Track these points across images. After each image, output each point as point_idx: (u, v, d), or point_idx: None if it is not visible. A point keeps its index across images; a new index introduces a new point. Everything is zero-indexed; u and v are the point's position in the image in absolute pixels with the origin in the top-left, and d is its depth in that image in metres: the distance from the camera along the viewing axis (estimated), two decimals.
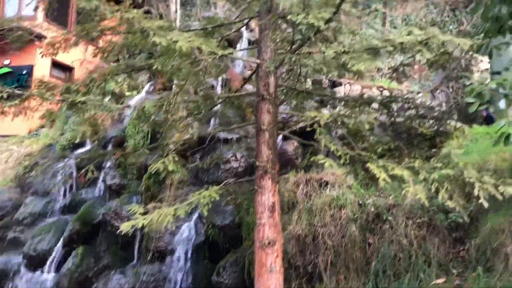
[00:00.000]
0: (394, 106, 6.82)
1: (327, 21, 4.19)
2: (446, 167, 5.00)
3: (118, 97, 11.83)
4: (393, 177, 5.09)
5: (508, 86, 4.91)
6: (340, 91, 14.42)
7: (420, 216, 6.77)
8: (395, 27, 21.26)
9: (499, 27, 5.55)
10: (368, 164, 5.06)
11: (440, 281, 6.08)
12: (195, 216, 9.09)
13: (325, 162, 5.04)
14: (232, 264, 7.97)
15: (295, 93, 6.00)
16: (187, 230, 8.86)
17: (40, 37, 11.36)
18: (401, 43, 4.93)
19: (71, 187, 11.40)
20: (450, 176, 4.94)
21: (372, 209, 7.21)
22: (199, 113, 6.20)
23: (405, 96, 6.36)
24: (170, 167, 5.91)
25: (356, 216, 7.21)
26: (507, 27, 5.54)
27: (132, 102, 10.90)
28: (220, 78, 10.01)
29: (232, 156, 9.82)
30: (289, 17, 3.99)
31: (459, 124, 7.95)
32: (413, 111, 6.18)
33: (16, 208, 11.80)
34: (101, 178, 10.87)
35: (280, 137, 10.17)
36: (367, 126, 5.16)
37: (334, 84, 14.71)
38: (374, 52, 4.94)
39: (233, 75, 8.08)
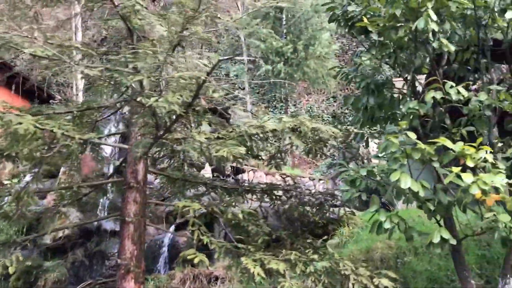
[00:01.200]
0: (283, 193, 6.65)
1: (189, 106, 3.97)
2: (323, 259, 4.74)
3: None
4: (269, 271, 4.74)
5: (377, 173, 4.90)
6: (243, 178, 14.30)
7: None
8: None
9: (371, 117, 5.70)
10: (242, 258, 4.66)
11: None
12: None
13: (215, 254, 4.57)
14: None
15: (170, 181, 5.61)
16: None
17: None
18: (273, 130, 4.81)
19: None
20: (327, 269, 4.67)
21: None
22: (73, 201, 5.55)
23: (287, 184, 6.19)
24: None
25: None
26: (379, 117, 5.73)
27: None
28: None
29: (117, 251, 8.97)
30: (142, 100, 3.68)
31: (357, 212, 7.96)
32: (294, 199, 5.99)
33: None
34: None
35: (173, 227, 9.59)
36: (240, 216, 4.82)
37: (237, 171, 14.60)
38: (244, 139, 4.75)
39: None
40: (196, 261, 4.51)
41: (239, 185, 5.79)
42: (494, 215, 3.96)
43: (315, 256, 4.71)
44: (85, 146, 4.65)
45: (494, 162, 4.22)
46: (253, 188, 5.68)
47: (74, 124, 5.13)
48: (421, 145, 4.26)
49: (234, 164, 13.99)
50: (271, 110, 22.61)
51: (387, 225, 4.42)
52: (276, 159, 5.36)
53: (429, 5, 4.51)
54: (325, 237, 7.70)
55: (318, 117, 21.38)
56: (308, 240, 5.08)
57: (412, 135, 4.26)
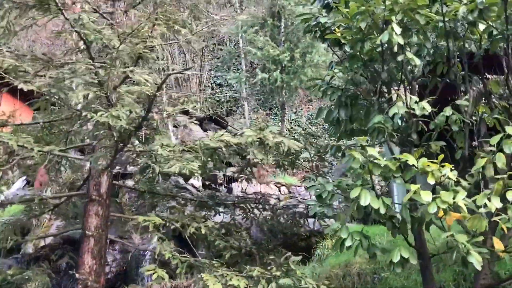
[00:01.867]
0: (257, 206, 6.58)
1: (143, 120, 3.91)
2: (286, 275, 4.65)
3: None
4: None
5: (343, 189, 4.80)
6: (236, 187, 14.21)
7: None
8: (299, 125, 22.12)
9: (346, 130, 5.61)
10: (203, 274, 4.58)
11: None
12: None
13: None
14: None
15: (139, 194, 5.56)
16: None
17: None
18: (237, 143, 4.75)
19: None
20: (289, 286, 4.57)
21: None
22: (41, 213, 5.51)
23: (259, 197, 6.12)
24: None
25: None
26: (354, 130, 5.63)
27: None
28: None
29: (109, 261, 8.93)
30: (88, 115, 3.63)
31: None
32: (268, 212, 5.91)
33: None
34: None
35: (156, 237, 9.49)
36: (203, 231, 4.75)
37: (230, 180, 14.53)
38: (211, 152, 4.69)
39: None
40: (154, 277, 4.43)
41: (209, 199, 5.72)
42: (452, 235, 3.84)
43: (278, 273, 4.61)
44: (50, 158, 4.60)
45: (457, 179, 4.11)
46: (224, 201, 5.60)
47: (43, 135, 5.08)
48: (381, 161, 4.16)
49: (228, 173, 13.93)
50: (272, 117, 22.53)
51: (348, 243, 4.32)
52: (245, 172, 5.29)
53: (394, 18, 4.43)
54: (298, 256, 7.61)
55: (319, 125, 21.20)
56: (271, 256, 4.98)
57: (372, 150, 4.15)
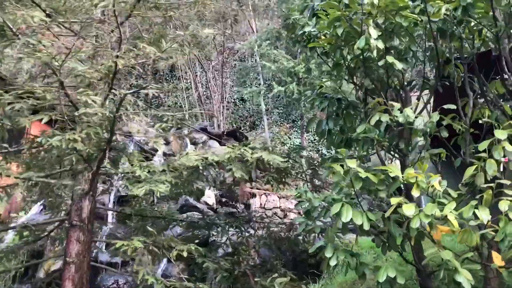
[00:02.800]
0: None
1: (107, 142, 3.80)
2: None
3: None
4: None
5: (329, 203, 4.54)
6: (255, 202, 13.99)
7: None
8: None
9: (342, 141, 5.35)
10: None
11: None
12: None
13: None
14: None
15: (126, 217, 5.45)
16: None
17: None
18: (217, 161, 4.58)
19: None
20: None
21: None
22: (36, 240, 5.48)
23: (258, 215, 5.90)
24: None
25: None
26: (348, 141, 5.37)
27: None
28: None
29: (113, 284, 8.87)
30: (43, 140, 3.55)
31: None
32: (262, 230, 5.69)
33: None
34: None
35: (165, 260, 9.40)
36: (185, 254, 4.57)
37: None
38: (191, 171, 4.55)
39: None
40: None
41: (200, 219, 5.56)
42: (438, 250, 3.52)
43: None
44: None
45: (446, 190, 3.81)
46: (214, 221, 5.42)
47: (31, 161, 5.04)
48: (362, 173, 3.89)
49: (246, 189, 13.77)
50: (296, 129, 22.24)
51: (332, 262, 4.05)
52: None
53: (371, 22, 4.19)
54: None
55: None
56: (256, 279, 4.74)
57: (352, 163, 3.89)
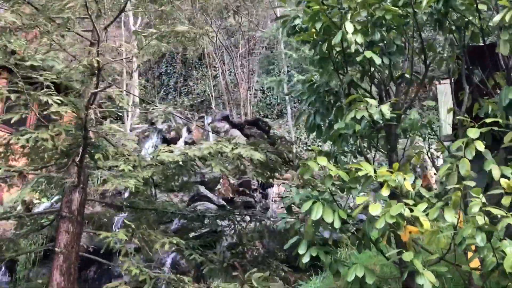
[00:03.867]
0: None
1: (84, 138, 3.92)
2: None
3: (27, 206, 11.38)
4: None
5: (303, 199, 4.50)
6: (272, 192, 14.02)
7: None
8: None
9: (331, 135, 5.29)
10: None
11: None
12: None
13: None
14: None
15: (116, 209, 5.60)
16: None
17: None
18: (199, 157, 4.64)
19: None
20: None
21: None
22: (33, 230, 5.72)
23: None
24: None
25: None
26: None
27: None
28: None
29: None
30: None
31: None
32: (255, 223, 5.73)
33: None
34: None
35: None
36: (167, 247, 4.67)
37: (265, 185, 14.37)
38: (175, 164, 4.63)
39: None
40: None
41: (191, 211, 5.64)
42: (401, 251, 3.47)
43: None
44: None
45: (418, 190, 3.72)
46: (203, 214, 5.50)
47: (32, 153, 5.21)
48: (333, 171, 3.85)
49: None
50: None
51: (305, 259, 4.05)
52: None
53: (348, 17, 4.10)
54: None
55: None
56: (234, 273, 4.78)
57: (322, 160, 3.85)
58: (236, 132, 17.05)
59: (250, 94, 24.19)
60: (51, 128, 3.88)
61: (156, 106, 16.12)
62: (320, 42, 4.44)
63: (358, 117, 4.01)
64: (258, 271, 5.32)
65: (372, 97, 4.86)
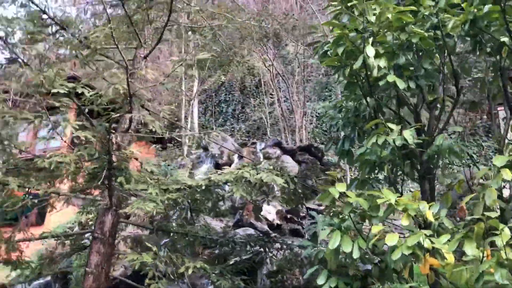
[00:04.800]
0: None
1: (108, 162, 4.07)
2: None
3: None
4: None
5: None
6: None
7: None
8: None
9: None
10: None
11: None
12: None
13: None
14: None
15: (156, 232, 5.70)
16: None
17: None
18: (224, 181, 4.67)
19: None
20: None
21: None
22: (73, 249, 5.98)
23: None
24: None
25: None
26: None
27: None
28: None
29: None
30: None
31: None
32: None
33: None
34: None
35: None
36: (190, 271, 4.68)
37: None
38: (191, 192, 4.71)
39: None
40: None
41: (220, 237, 5.65)
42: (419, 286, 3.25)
43: None
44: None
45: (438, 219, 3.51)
46: (234, 240, 5.49)
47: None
48: (352, 198, 3.72)
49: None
50: None
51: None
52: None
53: (370, 41, 4.02)
54: None
55: None
56: None
57: (341, 186, 3.73)
58: (287, 158, 16.97)
59: (306, 121, 24.11)
60: (75, 151, 4.10)
61: (208, 131, 16.56)
62: (343, 68, 4.37)
63: (380, 142, 3.88)
64: None
65: (403, 121, 4.72)
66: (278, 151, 17.05)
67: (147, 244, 5.99)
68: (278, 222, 12.43)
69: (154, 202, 4.10)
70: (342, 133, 5.28)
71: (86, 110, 4.63)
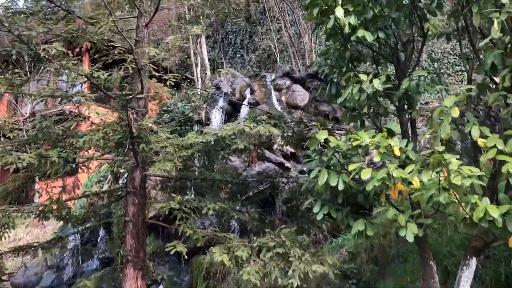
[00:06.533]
0: None
1: (129, 132, 4.87)
2: (280, 246, 5.27)
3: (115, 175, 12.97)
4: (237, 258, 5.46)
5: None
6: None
7: (324, 283, 6.87)
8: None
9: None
10: (212, 247, 5.49)
11: None
12: None
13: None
14: None
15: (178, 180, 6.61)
16: None
17: None
18: (230, 135, 5.42)
19: (77, 261, 12.68)
20: (281, 254, 5.21)
21: None
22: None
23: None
24: None
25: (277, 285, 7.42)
26: None
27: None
28: None
29: (199, 225, 10.35)
30: None
31: None
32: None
33: (39, 282, 13.38)
34: (97, 252, 12.00)
35: None
36: (210, 211, 5.60)
37: None
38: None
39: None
40: (172, 251, 5.48)
41: (234, 178, 6.52)
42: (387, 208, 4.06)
43: (273, 244, 5.27)
44: None
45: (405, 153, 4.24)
46: (246, 181, 6.35)
47: None
48: (332, 141, 4.46)
49: None
50: None
51: (319, 217, 4.75)
52: None
53: (340, 2, 4.55)
54: None
55: None
56: (267, 230, 5.57)
57: (324, 134, 4.45)
58: (297, 88, 17.43)
59: (314, 43, 24.16)
60: (101, 127, 4.92)
61: (219, 70, 17.07)
62: (320, 25, 4.92)
63: (355, 91, 4.54)
64: (296, 226, 6.13)
65: (384, 65, 5.34)
66: (288, 81, 17.52)
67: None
68: (292, 150, 13.22)
69: (171, 162, 4.92)
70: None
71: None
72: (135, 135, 4.98)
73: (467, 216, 3.74)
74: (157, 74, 5.59)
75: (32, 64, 5.28)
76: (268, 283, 7.59)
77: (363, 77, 4.50)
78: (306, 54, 23.59)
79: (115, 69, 5.03)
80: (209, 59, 27.70)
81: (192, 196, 7.33)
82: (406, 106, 5.19)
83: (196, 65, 24.14)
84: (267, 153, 11.10)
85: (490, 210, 3.53)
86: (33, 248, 6.54)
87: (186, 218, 5.78)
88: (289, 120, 6.51)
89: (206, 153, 5.73)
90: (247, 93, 17.00)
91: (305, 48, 23.80)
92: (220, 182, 6.45)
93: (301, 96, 17.02)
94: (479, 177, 3.84)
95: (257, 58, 27.55)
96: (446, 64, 17.79)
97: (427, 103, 14.38)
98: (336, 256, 7.35)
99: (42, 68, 5.86)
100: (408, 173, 3.98)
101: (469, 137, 4.31)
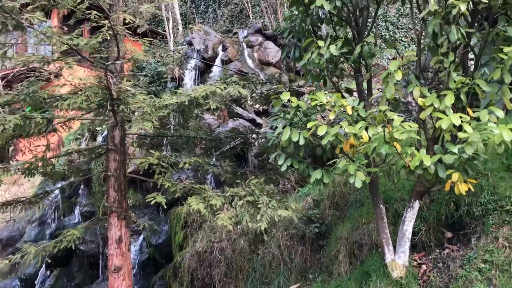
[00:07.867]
0: None
1: (107, 89, 5.31)
2: (250, 195, 5.91)
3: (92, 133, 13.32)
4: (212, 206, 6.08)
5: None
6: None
7: (291, 228, 7.62)
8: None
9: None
10: (189, 198, 6.08)
11: (295, 286, 6.94)
12: (141, 237, 10.47)
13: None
14: (160, 278, 9.20)
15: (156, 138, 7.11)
16: (133, 249, 10.17)
17: None
18: (202, 96, 5.90)
19: (59, 215, 13.19)
20: (251, 202, 5.85)
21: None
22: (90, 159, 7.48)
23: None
24: None
25: (247, 230, 8.15)
26: None
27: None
28: None
29: (177, 179, 10.92)
30: None
31: None
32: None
33: (22, 236, 13.91)
34: (78, 207, 12.51)
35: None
36: (186, 165, 6.15)
37: None
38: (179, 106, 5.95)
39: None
40: (152, 202, 6.05)
41: (208, 135, 7.05)
42: (341, 159, 4.69)
43: (243, 193, 5.90)
44: None
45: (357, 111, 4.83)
46: (219, 136, 6.89)
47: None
48: (294, 102, 5.01)
49: None
50: None
51: (283, 168, 5.37)
52: None
53: None
54: None
55: None
56: (238, 180, 6.17)
57: (286, 95, 4.99)
58: (270, 44, 17.72)
59: None
60: (83, 91, 5.33)
61: (190, 27, 17.15)
62: None
63: (314, 57, 5.06)
64: (265, 177, 6.75)
65: (344, 27, 5.84)
66: (260, 38, 17.79)
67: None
68: (265, 107, 13.77)
69: (150, 121, 5.40)
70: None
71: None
72: (115, 97, 5.41)
73: (406, 165, 4.41)
74: (132, 39, 5.95)
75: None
76: (240, 228, 8.33)
77: (321, 43, 5.02)
78: (278, 9, 23.71)
79: (93, 36, 5.38)
80: (180, 14, 27.52)
81: (169, 152, 7.87)
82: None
83: (168, 19, 24.03)
84: (240, 110, 11.63)
85: (424, 159, 4.19)
86: (20, 203, 7.02)
87: (164, 172, 6.33)
88: (257, 81, 6.99)
89: (181, 112, 6.21)
90: (220, 50, 17.25)
91: (277, 2, 23.89)
92: (195, 139, 6.97)
93: (273, 53, 17.36)
94: (418, 132, 4.48)
95: (230, 13, 27.45)
96: (403, 25, 18.50)
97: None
98: (302, 203, 8.08)
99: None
100: (358, 129, 4.59)
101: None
